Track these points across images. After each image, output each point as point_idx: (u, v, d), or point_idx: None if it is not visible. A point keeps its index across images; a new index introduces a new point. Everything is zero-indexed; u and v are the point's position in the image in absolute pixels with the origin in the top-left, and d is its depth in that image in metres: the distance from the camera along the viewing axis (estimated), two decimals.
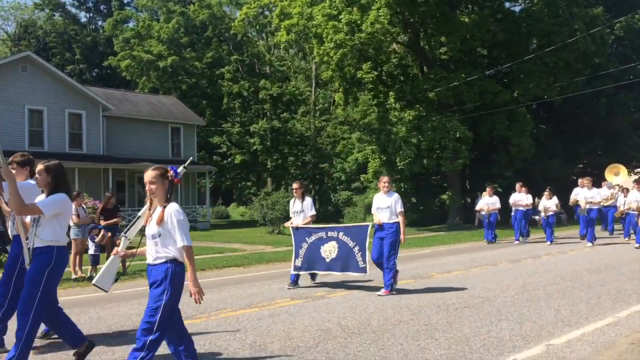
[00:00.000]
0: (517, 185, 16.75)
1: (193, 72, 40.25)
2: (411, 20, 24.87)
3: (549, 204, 15.85)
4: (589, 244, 14.54)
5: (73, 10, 54.77)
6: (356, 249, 8.12)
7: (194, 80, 40.56)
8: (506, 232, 18.56)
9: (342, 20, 23.58)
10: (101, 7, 55.06)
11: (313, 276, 9.12)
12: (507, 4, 28.35)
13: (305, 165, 39.04)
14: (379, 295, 7.82)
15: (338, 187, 35.60)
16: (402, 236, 8.08)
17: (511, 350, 5.05)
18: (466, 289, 8.33)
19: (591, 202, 14.93)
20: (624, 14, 28.85)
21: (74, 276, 10.42)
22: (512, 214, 16.65)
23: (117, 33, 44.45)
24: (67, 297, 8.56)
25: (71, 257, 10.56)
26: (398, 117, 25.30)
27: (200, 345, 5.42)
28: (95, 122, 26.24)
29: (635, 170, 35.91)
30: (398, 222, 8.06)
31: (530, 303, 7.16)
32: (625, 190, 16.34)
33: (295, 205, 8.97)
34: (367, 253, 8.09)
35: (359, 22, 23.62)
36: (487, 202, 16.54)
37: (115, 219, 11.35)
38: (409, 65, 27.22)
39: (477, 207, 17.84)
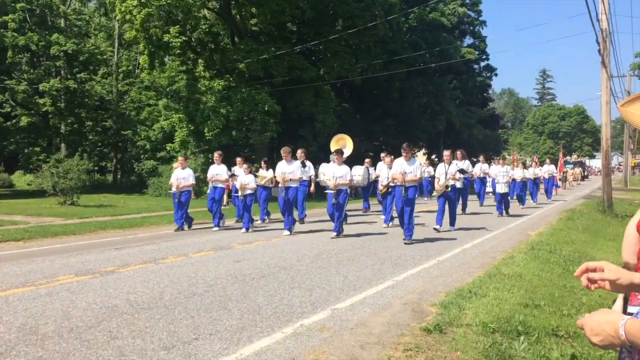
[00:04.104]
0: (238, 160, 14.29)
1: None
2: None
3: (246, 179, 12.40)
4: (286, 233, 11.64)
5: None
6: None
7: None
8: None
9: None
10: None
11: None
12: None
13: (106, 131, 36.14)
14: None
15: (142, 156, 33.69)
16: None
17: (300, 316, 5.21)
18: (264, 259, 8.45)
19: (291, 179, 11.81)
20: (419, 5, 31.88)
21: None
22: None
23: None
24: None
25: None
26: (207, 87, 24.69)
27: None
28: None
29: (423, 151, 40.59)
30: None
31: (322, 270, 7.52)
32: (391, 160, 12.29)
33: None
34: None
35: None
36: (178, 177, 12.81)
37: None
38: (219, 34, 26.67)
39: (170, 182, 13.47)
